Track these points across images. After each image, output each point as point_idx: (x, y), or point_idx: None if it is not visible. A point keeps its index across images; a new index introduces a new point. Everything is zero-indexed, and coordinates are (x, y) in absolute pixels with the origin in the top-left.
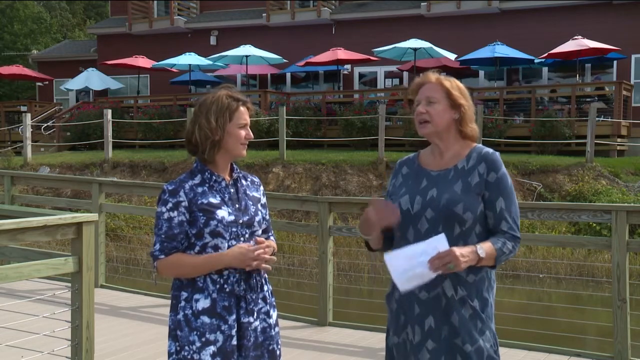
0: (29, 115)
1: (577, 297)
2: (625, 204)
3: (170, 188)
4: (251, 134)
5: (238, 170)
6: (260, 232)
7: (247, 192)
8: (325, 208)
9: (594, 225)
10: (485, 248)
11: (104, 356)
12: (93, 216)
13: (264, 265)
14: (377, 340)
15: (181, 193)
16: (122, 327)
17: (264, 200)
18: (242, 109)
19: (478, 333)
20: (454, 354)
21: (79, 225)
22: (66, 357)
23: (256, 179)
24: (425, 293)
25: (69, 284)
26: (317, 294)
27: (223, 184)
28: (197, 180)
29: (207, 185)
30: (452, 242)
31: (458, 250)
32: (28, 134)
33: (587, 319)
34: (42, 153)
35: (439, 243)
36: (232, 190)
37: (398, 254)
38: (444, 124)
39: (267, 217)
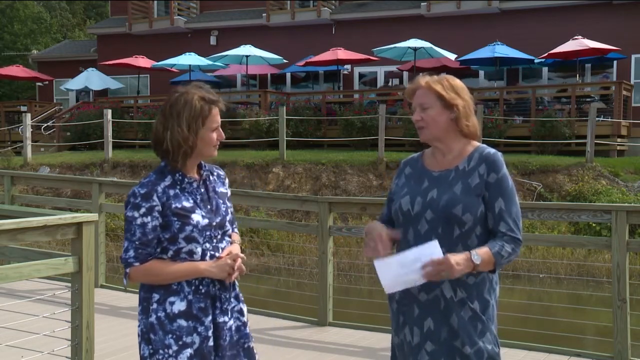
0: (29, 115)
1: (577, 297)
2: (625, 204)
3: (142, 191)
4: (223, 134)
5: (205, 167)
6: (230, 230)
7: (216, 189)
8: (325, 208)
9: (594, 225)
10: (481, 254)
11: (104, 356)
12: (93, 216)
13: (237, 276)
14: (377, 340)
15: (154, 197)
16: (122, 327)
17: (229, 193)
18: (214, 111)
19: (478, 335)
20: (453, 356)
21: (79, 225)
22: (66, 357)
23: (221, 172)
24: (424, 294)
25: (69, 284)
26: (317, 294)
27: (194, 184)
28: (168, 181)
29: (178, 187)
30: (452, 243)
31: (453, 259)
32: (28, 134)
33: (587, 319)
34: (42, 153)
35: (433, 250)
36: (202, 190)
37: (390, 262)
38: (440, 127)
39: (232, 209)
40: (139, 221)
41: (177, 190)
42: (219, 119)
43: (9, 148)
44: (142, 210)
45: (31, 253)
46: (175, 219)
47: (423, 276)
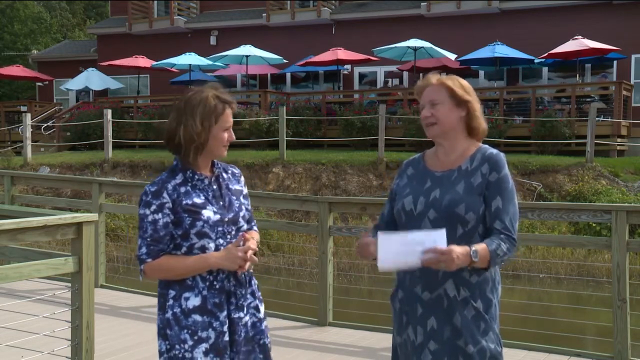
0: (29, 115)
1: (577, 297)
2: (625, 204)
3: (152, 189)
4: (233, 135)
5: (218, 165)
6: (245, 226)
7: (230, 186)
8: (325, 208)
9: (594, 225)
10: (479, 251)
11: (104, 356)
12: (93, 216)
13: (250, 266)
14: (377, 340)
15: (164, 194)
16: (122, 327)
17: (245, 191)
18: (228, 111)
19: (481, 334)
20: (456, 355)
21: (79, 225)
22: (66, 357)
23: (236, 170)
24: (428, 293)
25: (69, 284)
26: (317, 294)
27: (206, 181)
28: (179, 179)
29: (189, 184)
30: (455, 242)
31: (455, 253)
32: (28, 134)
33: (587, 319)
34: (42, 153)
35: (438, 238)
36: (214, 187)
37: (393, 239)
38: (450, 124)
39: (249, 207)
40: (150, 218)
41: (188, 187)
42: (231, 120)
43: (9, 148)
44: (153, 207)
45: (31, 253)
46: (186, 215)
47: (422, 261)
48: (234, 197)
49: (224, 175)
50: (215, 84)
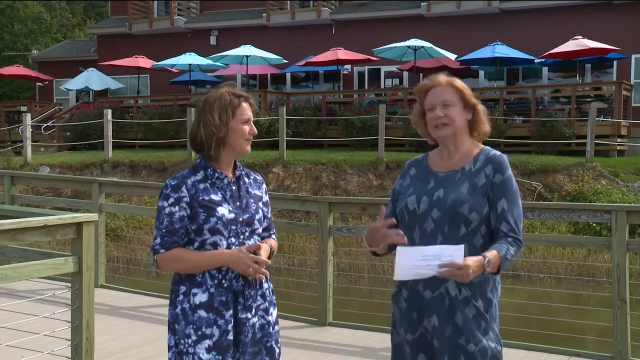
0: (29, 115)
1: (577, 297)
2: (625, 204)
3: (172, 183)
4: (255, 129)
5: (241, 168)
6: (260, 230)
7: (249, 189)
8: (325, 208)
9: (594, 225)
10: (492, 260)
11: (104, 356)
12: (93, 216)
13: (257, 275)
14: (377, 340)
15: (183, 188)
16: (122, 327)
17: (266, 198)
18: (245, 104)
19: (482, 333)
20: (457, 353)
21: (79, 225)
22: (66, 357)
23: (259, 177)
24: (429, 292)
25: (69, 284)
26: (317, 294)
27: (225, 181)
28: (199, 176)
29: (209, 181)
30: (458, 242)
31: (471, 268)
32: (28, 134)
33: (587, 319)
34: (42, 153)
35: (455, 253)
36: (234, 187)
37: (411, 252)
38: (460, 126)
39: (269, 215)
40: (167, 210)
41: (207, 184)
42: (249, 113)
43: (9, 148)
44: (171, 200)
45: (31, 253)
46: (202, 210)
47: (437, 273)
48: (252, 200)
49: (246, 179)
50: (230, 83)
